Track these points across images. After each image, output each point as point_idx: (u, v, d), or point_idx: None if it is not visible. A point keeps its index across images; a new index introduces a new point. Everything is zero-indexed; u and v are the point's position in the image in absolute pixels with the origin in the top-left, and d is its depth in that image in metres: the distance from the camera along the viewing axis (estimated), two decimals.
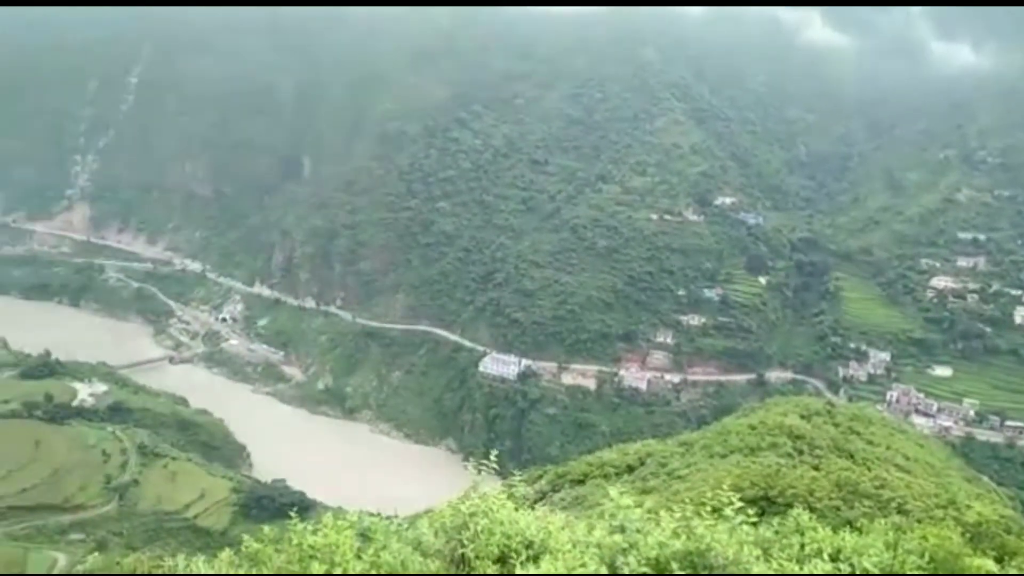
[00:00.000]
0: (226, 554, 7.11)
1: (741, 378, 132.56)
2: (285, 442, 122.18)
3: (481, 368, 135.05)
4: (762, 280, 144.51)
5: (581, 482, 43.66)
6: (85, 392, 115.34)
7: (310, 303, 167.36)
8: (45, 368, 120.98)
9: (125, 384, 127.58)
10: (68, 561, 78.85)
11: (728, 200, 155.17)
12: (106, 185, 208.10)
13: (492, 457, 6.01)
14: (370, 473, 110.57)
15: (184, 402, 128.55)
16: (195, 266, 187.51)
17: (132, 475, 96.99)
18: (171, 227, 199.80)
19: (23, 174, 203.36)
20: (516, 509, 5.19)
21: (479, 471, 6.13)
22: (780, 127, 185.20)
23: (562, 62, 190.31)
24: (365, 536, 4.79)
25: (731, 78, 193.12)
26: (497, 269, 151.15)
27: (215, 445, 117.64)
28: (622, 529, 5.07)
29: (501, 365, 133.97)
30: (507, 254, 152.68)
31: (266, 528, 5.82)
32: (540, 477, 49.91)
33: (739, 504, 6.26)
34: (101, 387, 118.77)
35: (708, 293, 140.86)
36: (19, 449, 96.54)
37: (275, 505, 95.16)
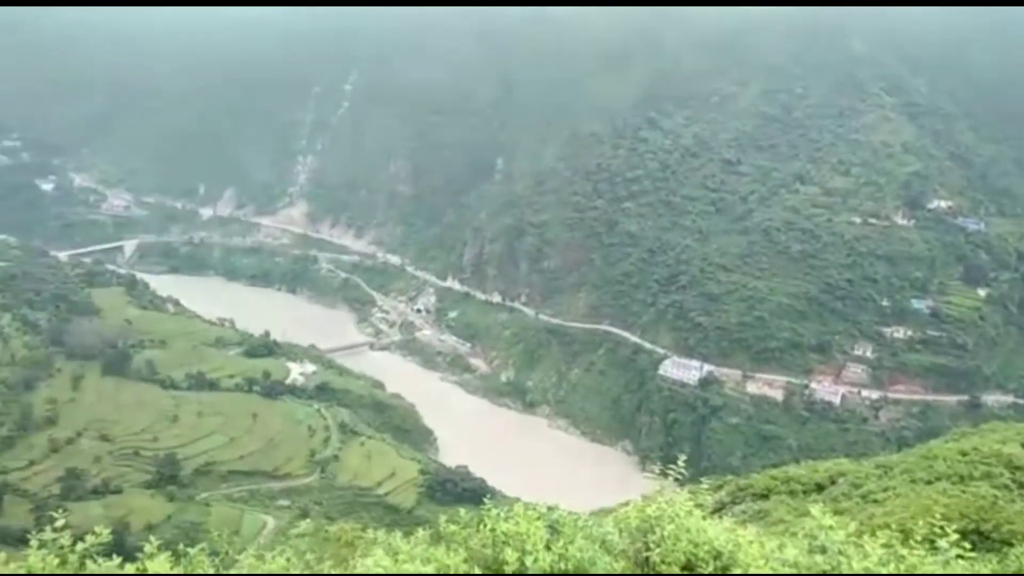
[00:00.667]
0: (422, 533, 7.62)
1: (951, 399, 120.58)
2: (469, 430, 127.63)
3: (661, 371, 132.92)
4: (981, 292, 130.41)
5: (764, 496, 41.68)
6: (296, 372, 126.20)
7: (496, 298, 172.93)
8: (265, 348, 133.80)
9: (331, 366, 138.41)
10: (275, 525, 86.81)
11: (944, 203, 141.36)
12: (322, 183, 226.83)
13: (680, 463, 5.87)
14: (547, 467, 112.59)
15: (381, 386, 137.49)
16: (395, 260, 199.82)
17: (333, 451, 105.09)
18: (376, 223, 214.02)
19: (255, 173, 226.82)
20: (704, 518, 5.08)
21: (666, 475, 6.08)
22: (1010, 124, 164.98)
23: (760, 57, 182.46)
24: (554, 528, 4.92)
25: (952, 70, 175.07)
26: (682, 271, 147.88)
27: (406, 428, 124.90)
28: (823, 550, 4.69)
29: (682, 369, 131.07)
30: (692, 256, 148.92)
31: (462, 511, 6.13)
32: (720, 487, 48.29)
33: (954, 536, 5.61)
34: (310, 368, 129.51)
35: (916, 304, 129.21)
36: (240, 419, 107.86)
37: (457, 489, 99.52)
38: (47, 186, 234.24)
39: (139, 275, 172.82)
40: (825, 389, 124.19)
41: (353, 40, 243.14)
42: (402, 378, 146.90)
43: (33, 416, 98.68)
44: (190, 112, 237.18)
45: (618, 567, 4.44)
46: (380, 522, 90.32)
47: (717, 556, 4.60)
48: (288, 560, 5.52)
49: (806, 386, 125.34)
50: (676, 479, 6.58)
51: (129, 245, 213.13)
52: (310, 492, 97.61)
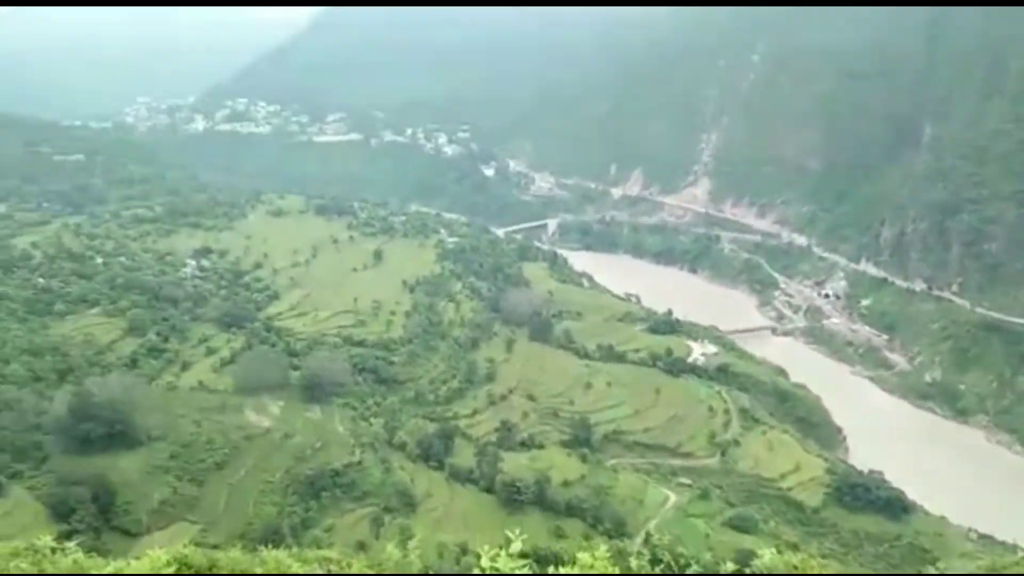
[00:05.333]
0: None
1: None
2: (884, 432, 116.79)
3: None
4: None
5: None
6: (698, 351, 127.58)
7: (920, 286, 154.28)
8: (667, 325, 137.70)
9: (731, 348, 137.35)
10: (675, 501, 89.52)
11: None
12: (726, 160, 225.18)
13: None
14: (982, 487, 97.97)
15: (783, 373, 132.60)
16: (801, 240, 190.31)
17: (734, 435, 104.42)
18: (780, 201, 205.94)
19: (660, 153, 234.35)
20: None
21: None
22: None
23: None
24: None
25: None
26: None
27: (811, 421, 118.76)
28: None
29: None
30: None
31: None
32: None
33: None
34: (711, 348, 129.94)
35: None
36: (645, 393, 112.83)
37: (869, 496, 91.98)
38: (489, 171, 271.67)
39: (559, 251, 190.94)
40: None
41: (760, 10, 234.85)
42: (807, 367, 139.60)
43: (477, 372, 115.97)
44: (605, 97, 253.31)
45: None
46: (782, 517, 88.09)
47: None
48: None
49: None
50: None
51: (551, 223, 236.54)
52: (710, 474, 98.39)
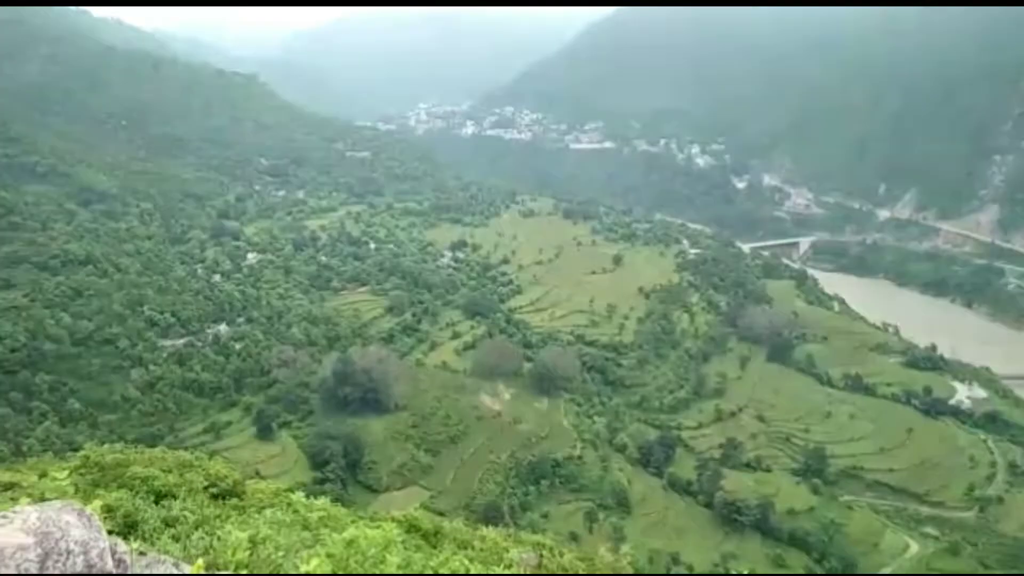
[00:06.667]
0: None
1: None
2: None
3: None
4: None
5: None
6: (963, 393, 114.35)
7: None
8: (929, 362, 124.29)
9: (1006, 395, 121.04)
10: (918, 551, 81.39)
11: None
12: (1021, 186, 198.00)
13: None
14: None
15: None
16: None
17: (998, 491, 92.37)
18: None
19: (940, 173, 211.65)
20: None
21: None
22: None
23: None
24: None
25: None
26: None
27: None
28: None
29: None
30: None
31: None
32: None
33: None
34: (980, 392, 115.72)
35: None
36: (893, 431, 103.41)
37: None
38: (740, 184, 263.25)
39: (809, 271, 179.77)
40: None
41: None
42: None
43: (705, 386, 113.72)
44: (878, 113, 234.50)
45: None
46: None
47: None
48: None
49: None
50: None
51: (804, 242, 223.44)
52: (963, 528, 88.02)
